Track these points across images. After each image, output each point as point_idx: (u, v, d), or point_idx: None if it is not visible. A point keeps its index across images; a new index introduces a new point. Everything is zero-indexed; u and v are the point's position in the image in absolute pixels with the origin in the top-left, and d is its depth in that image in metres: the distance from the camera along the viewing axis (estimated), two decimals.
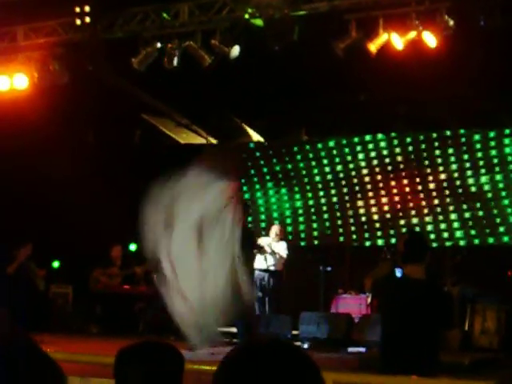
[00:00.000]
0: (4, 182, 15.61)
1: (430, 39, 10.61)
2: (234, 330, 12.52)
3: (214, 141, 18.00)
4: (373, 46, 10.95)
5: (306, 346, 12.79)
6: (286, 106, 15.95)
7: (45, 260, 15.88)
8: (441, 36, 10.54)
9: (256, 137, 17.70)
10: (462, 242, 15.38)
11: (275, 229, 14.50)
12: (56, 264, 16.77)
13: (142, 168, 16.51)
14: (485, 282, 13.46)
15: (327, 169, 16.59)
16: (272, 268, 14.10)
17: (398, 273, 6.24)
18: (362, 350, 12.23)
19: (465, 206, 15.42)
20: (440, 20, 10.49)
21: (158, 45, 12.03)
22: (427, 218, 15.68)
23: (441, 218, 15.56)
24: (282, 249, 14.12)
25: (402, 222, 15.86)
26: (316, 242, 16.52)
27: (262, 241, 14.17)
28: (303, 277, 15.14)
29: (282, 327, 13.22)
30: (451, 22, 10.45)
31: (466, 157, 15.48)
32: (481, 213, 15.27)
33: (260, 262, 14.13)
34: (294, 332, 13.28)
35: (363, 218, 16.19)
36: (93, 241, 15.71)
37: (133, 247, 16.39)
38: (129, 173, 16.37)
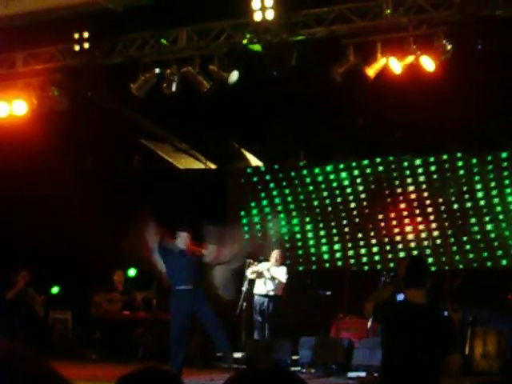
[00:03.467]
0: (2, 208, 15.61)
1: (428, 63, 10.64)
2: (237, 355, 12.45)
3: (212, 166, 18.01)
4: (371, 71, 10.98)
5: (305, 370, 12.72)
6: (285, 131, 15.96)
7: (44, 286, 15.84)
8: (439, 60, 10.57)
9: (254, 161, 17.69)
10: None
11: (276, 254, 14.41)
12: (55, 290, 16.71)
13: (142, 193, 16.52)
14: (485, 305, 13.41)
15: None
16: (271, 293, 14.05)
17: (399, 297, 6.20)
18: (363, 374, 12.15)
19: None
20: (438, 44, 10.53)
21: (157, 70, 12.05)
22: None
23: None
24: (281, 274, 14.07)
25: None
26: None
27: (262, 266, 14.12)
28: (303, 301, 15.07)
29: (281, 352, 13.15)
30: (449, 46, 10.49)
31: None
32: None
33: (260, 287, 14.11)
34: (294, 357, 13.21)
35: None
36: (92, 266, 15.68)
37: (132, 272, 16.32)
38: (128, 198, 16.36)
